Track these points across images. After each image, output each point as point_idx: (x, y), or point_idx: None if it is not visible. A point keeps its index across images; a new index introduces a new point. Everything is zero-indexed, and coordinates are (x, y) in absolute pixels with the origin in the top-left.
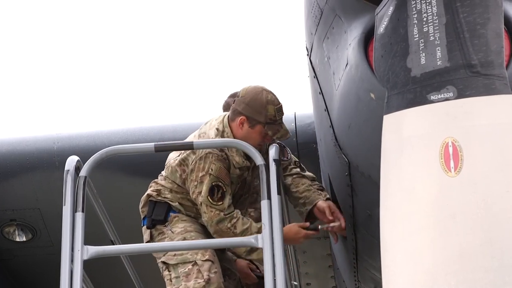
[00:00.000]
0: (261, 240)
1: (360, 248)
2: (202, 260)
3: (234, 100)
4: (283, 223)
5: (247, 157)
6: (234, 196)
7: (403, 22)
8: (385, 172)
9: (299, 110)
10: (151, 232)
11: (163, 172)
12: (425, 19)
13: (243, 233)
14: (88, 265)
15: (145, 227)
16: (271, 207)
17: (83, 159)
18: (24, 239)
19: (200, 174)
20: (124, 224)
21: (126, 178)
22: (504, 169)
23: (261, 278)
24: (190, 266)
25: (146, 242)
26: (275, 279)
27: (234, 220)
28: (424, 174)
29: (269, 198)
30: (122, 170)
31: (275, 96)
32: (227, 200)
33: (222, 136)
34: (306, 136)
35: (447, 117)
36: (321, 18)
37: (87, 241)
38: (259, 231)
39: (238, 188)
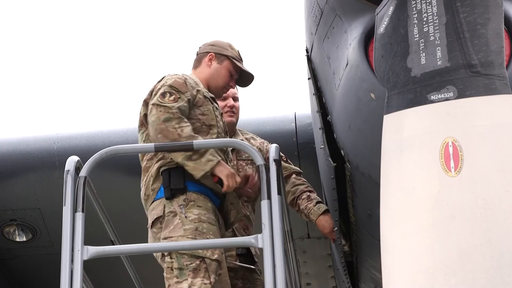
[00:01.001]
0: (261, 240)
1: (360, 248)
2: (211, 259)
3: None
4: (283, 223)
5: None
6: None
7: (403, 22)
8: (385, 172)
9: (299, 110)
10: (164, 207)
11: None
12: (425, 19)
13: (189, 139)
14: (88, 265)
15: (158, 200)
16: (271, 207)
17: (83, 159)
18: (24, 239)
19: (157, 89)
20: (124, 224)
21: (126, 178)
22: (504, 169)
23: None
24: (197, 262)
25: (156, 218)
26: (275, 279)
27: (184, 124)
28: (424, 174)
29: (269, 198)
30: (122, 170)
31: None
32: (181, 105)
33: (187, 78)
34: (306, 136)
35: (447, 117)
36: (321, 18)
37: (87, 241)
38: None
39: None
